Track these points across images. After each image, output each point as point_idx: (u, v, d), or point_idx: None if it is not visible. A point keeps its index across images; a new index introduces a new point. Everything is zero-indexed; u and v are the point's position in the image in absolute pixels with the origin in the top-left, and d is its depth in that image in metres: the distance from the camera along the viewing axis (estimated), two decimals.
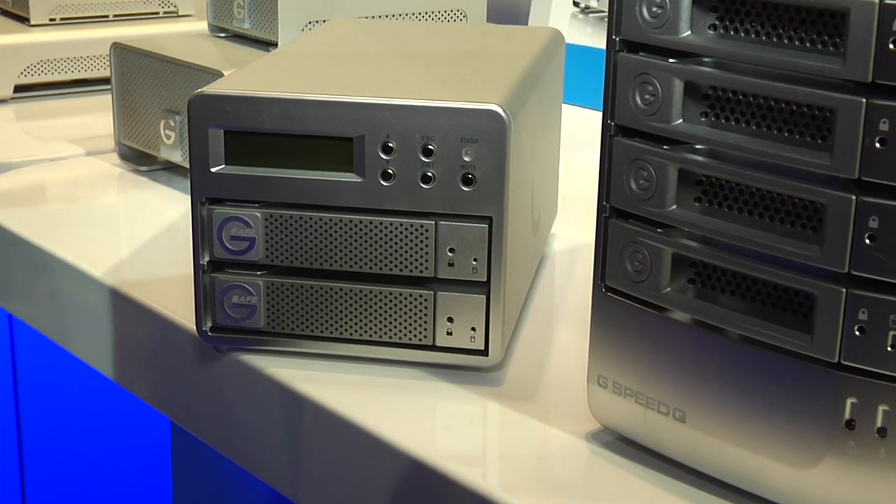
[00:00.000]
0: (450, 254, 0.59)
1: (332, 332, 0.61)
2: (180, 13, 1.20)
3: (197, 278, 0.61)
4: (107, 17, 1.16)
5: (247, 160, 0.60)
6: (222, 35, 0.95)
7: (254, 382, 0.62)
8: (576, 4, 1.22)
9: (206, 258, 0.61)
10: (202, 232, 0.61)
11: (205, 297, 0.61)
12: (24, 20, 1.14)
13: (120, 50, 0.90)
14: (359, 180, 0.59)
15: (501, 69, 0.66)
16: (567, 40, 1.11)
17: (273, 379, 0.60)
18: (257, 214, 0.60)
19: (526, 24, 1.26)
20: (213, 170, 0.60)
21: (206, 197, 0.60)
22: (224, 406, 0.64)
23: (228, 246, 0.61)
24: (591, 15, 1.20)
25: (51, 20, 1.13)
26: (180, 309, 0.67)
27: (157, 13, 1.19)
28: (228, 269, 0.61)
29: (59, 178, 0.92)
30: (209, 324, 0.62)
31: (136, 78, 0.89)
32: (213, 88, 0.60)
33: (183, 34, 0.99)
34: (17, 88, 1.11)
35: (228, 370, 0.63)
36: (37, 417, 1.74)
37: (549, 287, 0.73)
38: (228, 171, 0.60)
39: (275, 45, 0.89)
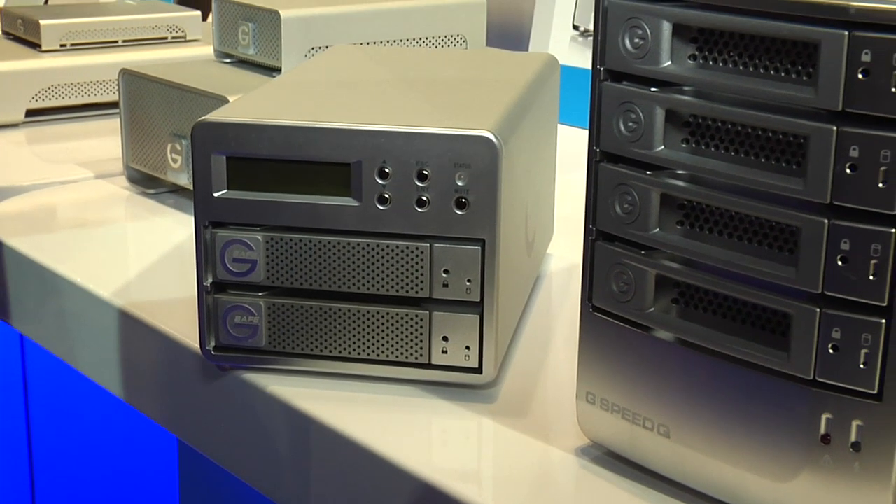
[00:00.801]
0: (444, 275, 0.61)
1: (331, 351, 0.63)
2: (188, 38, 1.22)
3: (200, 299, 0.63)
4: (116, 42, 1.18)
5: (249, 185, 0.62)
6: (228, 61, 0.97)
7: (256, 400, 0.63)
8: (575, 28, 1.24)
9: (210, 280, 0.63)
10: (205, 254, 0.62)
11: (208, 318, 0.63)
12: (35, 46, 1.16)
13: (128, 76, 0.92)
14: (356, 204, 0.61)
15: (495, 95, 0.67)
16: (567, 63, 1.13)
17: (274, 397, 0.62)
18: (259, 237, 0.62)
19: (527, 47, 1.28)
20: (215, 194, 0.62)
21: (209, 221, 0.62)
22: (228, 423, 0.66)
23: (231, 268, 0.62)
24: (590, 38, 1.22)
25: (61, 46, 1.15)
26: (186, 329, 0.68)
27: (166, 38, 1.20)
28: (231, 290, 0.63)
29: (68, 200, 0.94)
30: (213, 343, 0.63)
31: (143, 103, 0.91)
32: (216, 116, 0.62)
33: (190, 60, 1.01)
34: (29, 112, 1.12)
35: (232, 388, 0.65)
36: (47, 435, 1.76)
37: (544, 306, 0.75)
38: (231, 195, 0.62)
39: (279, 70, 0.91)
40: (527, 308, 0.73)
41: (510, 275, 0.64)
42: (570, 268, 0.81)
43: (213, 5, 0.96)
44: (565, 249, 0.83)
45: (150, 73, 0.90)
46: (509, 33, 1.38)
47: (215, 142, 0.61)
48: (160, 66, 0.92)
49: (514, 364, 0.66)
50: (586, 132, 0.53)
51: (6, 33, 1.23)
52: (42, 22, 1.15)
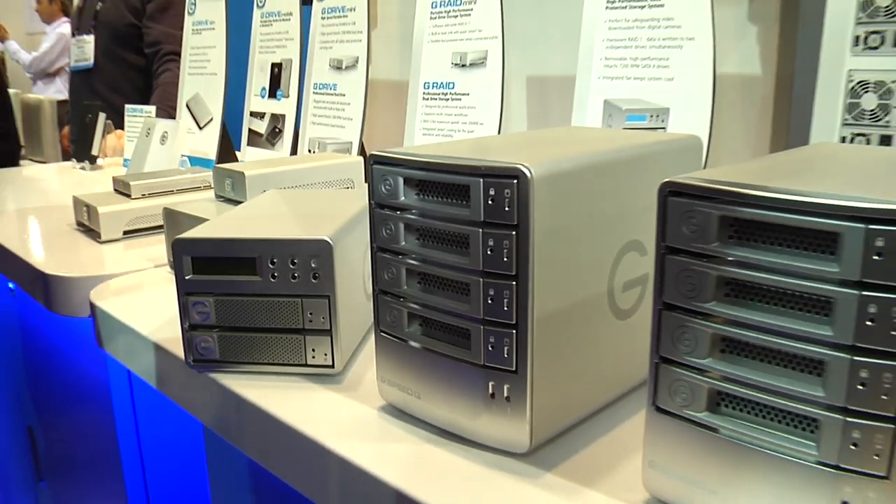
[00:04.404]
0: (310, 315, 0.61)
1: (254, 360, 0.63)
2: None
3: (183, 333, 0.63)
4: (173, 191, 1.18)
5: (203, 271, 0.62)
6: (221, 200, 0.97)
7: (215, 387, 0.63)
8: None
9: (187, 323, 0.63)
10: (184, 310, 0.63)
11: (188, 343, 0.63)
12: (127, 195, 1.15)
13: (166, 210, 0.92)
14: (260, 279, 0.61)
15: (341, 214, 0.68)
16: None
17: (224, 385, 0.62)
18: (211, 300, 0.62)
19: None
20: (186, 277, 0.62)
21: (184, 292, 0.63)
22: (207, 400, 0.66)
23: (196, 317, 0.63)
24: None
25: (143, 195, 1.15)
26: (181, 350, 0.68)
27: (200, 187, 1.20)
28: (198, 328, 0.63)
29: (141, 281, 0.92)
30: (191, 358, 0.64)
31: (176, 224, 0.91)
32: (185, 234, 0.62)
33: (204, 199, 1.00)
34: (125, 232, 1.11)
35: (205, 381, 0.65)
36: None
37: None
38: (195, 278, 0.62)
39: None
40: (370, 332, 0.73)
41: (349, 313, 0.64)
42: None
43: (213, 172, 0.96)
44: None
45: (177, 208, 0.90)
46: None
47: (184, 249, 0.62)
48: (186, 203, 0.92)
49: (357, 363, 0.66)
50: None
51: (116, 190, 1.21)
52: (132, 183, 1.14)
